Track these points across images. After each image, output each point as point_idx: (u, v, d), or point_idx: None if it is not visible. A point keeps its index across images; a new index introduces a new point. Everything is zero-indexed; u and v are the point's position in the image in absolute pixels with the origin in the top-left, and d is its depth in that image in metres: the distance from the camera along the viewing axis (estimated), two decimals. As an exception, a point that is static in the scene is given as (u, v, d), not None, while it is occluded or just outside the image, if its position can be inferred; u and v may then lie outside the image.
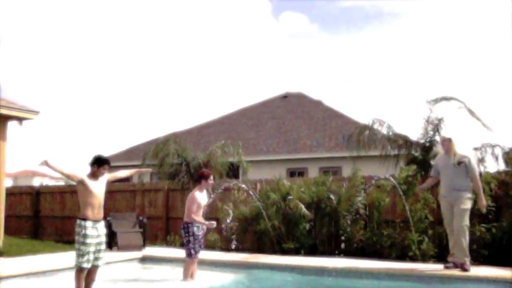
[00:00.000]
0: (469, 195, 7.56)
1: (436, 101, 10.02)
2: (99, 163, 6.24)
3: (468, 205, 7.52)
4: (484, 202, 7.61)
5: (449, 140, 7.81)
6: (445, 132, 8.32)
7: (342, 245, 10.11)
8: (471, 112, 9.53)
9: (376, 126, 10.57)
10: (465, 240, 7.42)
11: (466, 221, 7.47)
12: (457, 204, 7.50)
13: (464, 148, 7.90)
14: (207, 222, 7.33)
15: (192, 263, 7.35)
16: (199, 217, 7.28)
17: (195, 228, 7.25)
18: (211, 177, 7.50)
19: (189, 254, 7.28)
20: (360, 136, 10.60)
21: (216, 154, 12.39)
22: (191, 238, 7.22)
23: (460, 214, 7.45)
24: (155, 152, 12.54)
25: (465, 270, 7.29)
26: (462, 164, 7.60)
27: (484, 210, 7.72)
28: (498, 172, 9.41)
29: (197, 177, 7.69)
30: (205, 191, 7.59)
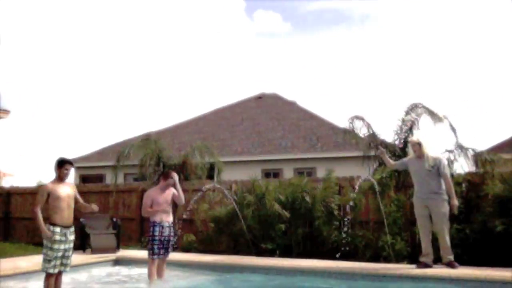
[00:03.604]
0: (445, 197, 7.80)
1: (411, 107, 10.20)
2: (60, 164, 6.22)
3: (446, 207, 7.77)
4: (456, 202, 7.77)
5: (419, 144, 7.96)
6: (415, 136, 8.47)
7: (317, 246, 10.16)
8: (436, 118, 9.74)
9: (358, 125, 10.56)
10: (448, 240, 7.74)
11: (448, 223, 7.81)
12: (436, 208, 7.75)
13: (434, 150, 8.07)
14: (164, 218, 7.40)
15: (153, 262, 7.36)
16: (156, 211, 7.34)
17: (157, 229, 7.32)
18: (170, 177, 7.50)
19: (149, 254, 7.38)
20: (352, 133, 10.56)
21: (191, 155, 12.37)
22: (151, 238, 7.33)
23: (441, 217, 7.73)
24: (131, 153, 12.49)
25: (455, 267, 7.55)
26: (435, 167, 7.77)
27: (455, 210, 7.83)
28: (469, 174, 9.58)
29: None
30: (168, 190, 7.57)
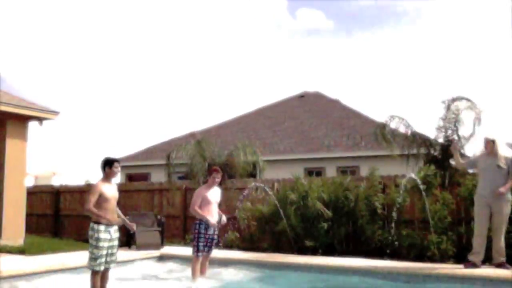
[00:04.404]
0: (510, 197, 7.62)
1: (453, 100, 9.94)
2: (109, 164, 6.27)
3: (509, 208, 7.61)
4: (503, 190, 7.46)
5: (493, 141, 7.76)
6: (489, 133, 8.22)
7: (360, 245, 10.04)
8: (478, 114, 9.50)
9: (394, 124, 10.41)
10: (503, 241, 7.62)
11: (506, 224, 7.68)
12: (500, 208, 7.56)
13: (507, 149, 7.84)
14: (211, 221, 7.35)
15: (197, 260, 7.43)
16: (205, 212, 7.35)
17: (202, 226, 7.37)
18: (215, 174, 7.54)
19: (193, 251, 7.46)
20: (382, 134, 10.41)
21: (236, 154, 12.49)
22: (196, 235, 7.39)
23: (502, 218, 7.58)
24: (179, 153, 12.82)
25: (508, 268, 7.39)
26: (506, 166, 7.57)
27: (499, 191, 7.47)
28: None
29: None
30: (216, 187, 7.65)
